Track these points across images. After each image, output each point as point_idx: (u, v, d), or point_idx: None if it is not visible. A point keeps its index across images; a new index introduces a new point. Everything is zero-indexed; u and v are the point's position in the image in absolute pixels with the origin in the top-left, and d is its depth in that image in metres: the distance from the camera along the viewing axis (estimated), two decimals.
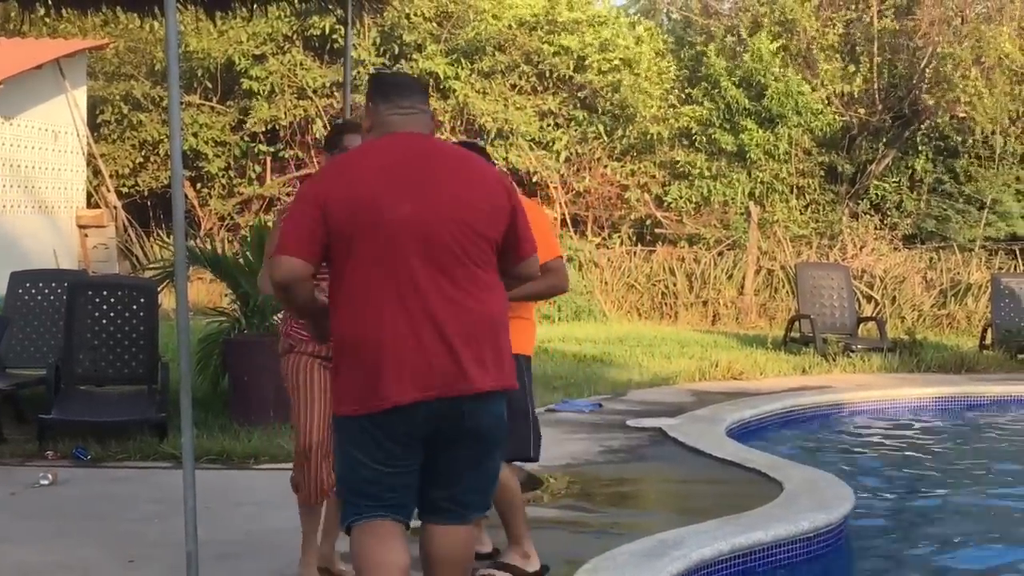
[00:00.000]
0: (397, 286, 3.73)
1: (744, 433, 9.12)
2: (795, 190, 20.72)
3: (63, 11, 7.68)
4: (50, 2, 7.39)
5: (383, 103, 3.92)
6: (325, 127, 19.58)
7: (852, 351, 13.29)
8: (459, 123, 20.42)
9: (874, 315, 16.19)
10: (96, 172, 19.17)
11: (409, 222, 3.74)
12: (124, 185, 20.39)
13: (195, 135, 20.17)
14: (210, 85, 20.76)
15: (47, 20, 19.69)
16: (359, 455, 3.81)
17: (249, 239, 9.73)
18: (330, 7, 7.11)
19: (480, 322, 3.80)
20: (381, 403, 3.72)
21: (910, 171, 21.17)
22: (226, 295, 10.69)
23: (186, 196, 20.86)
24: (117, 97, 20.44)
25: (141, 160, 20.55)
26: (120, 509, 6.53)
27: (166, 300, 17.32)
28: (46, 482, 7.16)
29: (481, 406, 3.82)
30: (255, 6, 7.56)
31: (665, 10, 26.61)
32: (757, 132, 20.16)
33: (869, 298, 17.43)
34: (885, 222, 20.13)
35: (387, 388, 3.71)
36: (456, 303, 3.76)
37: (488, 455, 3.94)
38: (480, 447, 3.89)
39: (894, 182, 21.05)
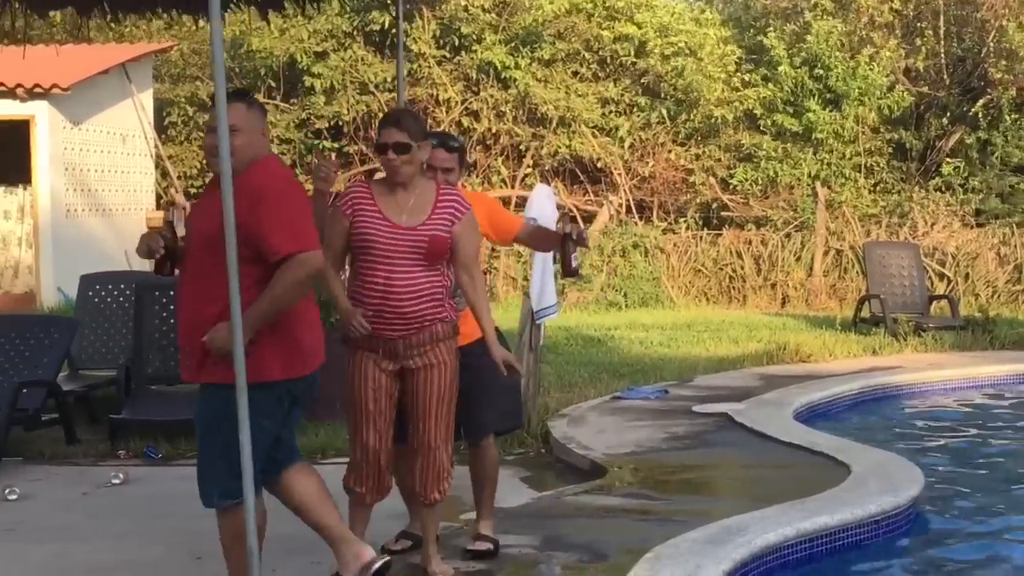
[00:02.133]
0: None
1: (813, 416, 9.04)
2: (863, 169, 20.46)
3: (119, 16, 7.76)
4: (107, 7, 7.47)
5: None
6: None
7: (923, 330, 13.11)
8: (521, 112, 20.40)
9: (947, 293, 15.95)
10: (164, 174, 19.41)
11: None
12: (192, 186, 20.61)
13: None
14: (273, 83, 20.92)
15: (113, 25, 20.05)
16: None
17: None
18: (388, 2, 7.18)
19: None
20: None
21: (980, 146, 20.80)
22: None
23: None
24: (183, 99, 20.67)
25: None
26: (189, 507, 6.54)
27: None
28: (117, 481, 7.28)
29: None
30: (305, 3, 7.60)
31: None
32: (822, 112, 19.93)
33: (941, 276, 17.18)
34: (956, 199, 19.80)
35: None
36: None
37: None
38: None
39: (964, 158, 20.70)
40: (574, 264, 5.63)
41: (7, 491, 6.96)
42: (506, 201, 18.35)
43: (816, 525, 5.69)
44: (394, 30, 19.98)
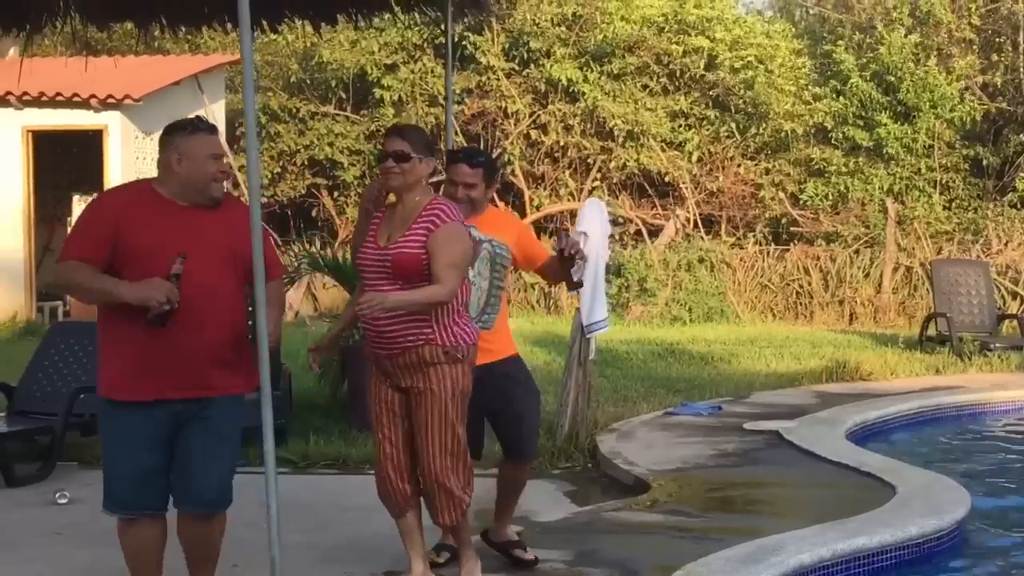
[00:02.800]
0: None
1: (867, 436, 8.93)
2: (938, 185, 20.18)
3: (176, 30, 7.91)
4: (164, 21, 7.61)
5: None
6: (457, 134, 19.76)
7: (989, 350, 12.89)
8: (589, 126, 20.41)
9: (1019, 312, 15.67)
10: (235, 184, 19.65)
11: None
12: (263, 195, 20.85)
13: (331, 144, 20.56)
14: (344, 95, 21.14)
15: (189, 37, 20.36)
16: None
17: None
18: (426, 11, 7.25)
19: None
20: None
21: None
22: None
23: (323, 205, 21.30)
24: (256, 109, 20.89)
25: (279, 170, 21.01)
26: (233, 513, 6.67)
27: (302, 307, 17.76)
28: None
29: None
30: (359, 17, 7.68)
31: (801, 7, 26.17)
32: (893, 126, 19.70)
33: (1014, 295, 16.90)
34: None
35: None
36: None
37: None
38: None
39: None
40: (575, 278, 5.57)
41: (58, 495, 7.08)
42: (573, 214, 18.35)
43: (853, 546, 5.61)
44: (464, 42, 20.15)
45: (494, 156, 5.41)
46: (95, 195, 4.62)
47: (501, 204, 18.85)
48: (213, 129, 4.67)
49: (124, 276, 4.40)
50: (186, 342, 4.43)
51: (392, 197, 5.14)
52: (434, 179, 5.22)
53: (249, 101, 4.49)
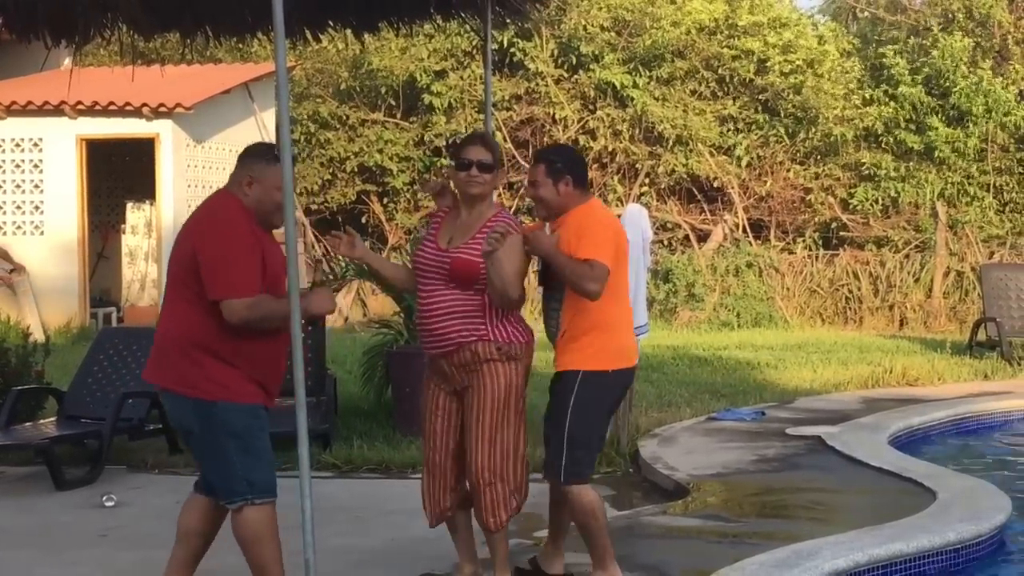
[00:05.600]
0: None
1: (910, 442, 8.89)
2: (991, 188, 19.97)
3: (220, 39, 8.02)
4: (209, 32, 7.73)
5: None
6: (505, 140, 19.84)
7: None
8: (638, 131, 20.41)
9: None
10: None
11: None
12: (314, 202, 21.04)
13: (380, 151, 20.68)
14: (393, 102, 21.25)
15: (240, 46, 20.56)
16: None
17: (411, 252, 9.94)
18: (506, 20, 7.32)
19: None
20: None
21: None
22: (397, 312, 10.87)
23: (373, 211, 21.43)
24: (305, 117, 21.11)
25: (329, 177, 21.16)
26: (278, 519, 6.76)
27: (352, 312, 17.87)
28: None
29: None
30: (400, 25, 7.76)
31: (852, 9, 26.00)
32: (945, 130, 19.52)
33: None
34: None
35: None
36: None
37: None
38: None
39: None
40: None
41: (105, 498, 7.20)
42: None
43: (890, 552, 5.59)
44: (512, 49, 20.21)
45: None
46: (217, 222, 4.68)
47: None
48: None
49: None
50: (281, 351, 4.83)
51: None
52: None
53: (283, 107, 4.57)
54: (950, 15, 21.34)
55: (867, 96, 20.46)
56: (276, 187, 4.63)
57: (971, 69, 19.83)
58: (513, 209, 18.75)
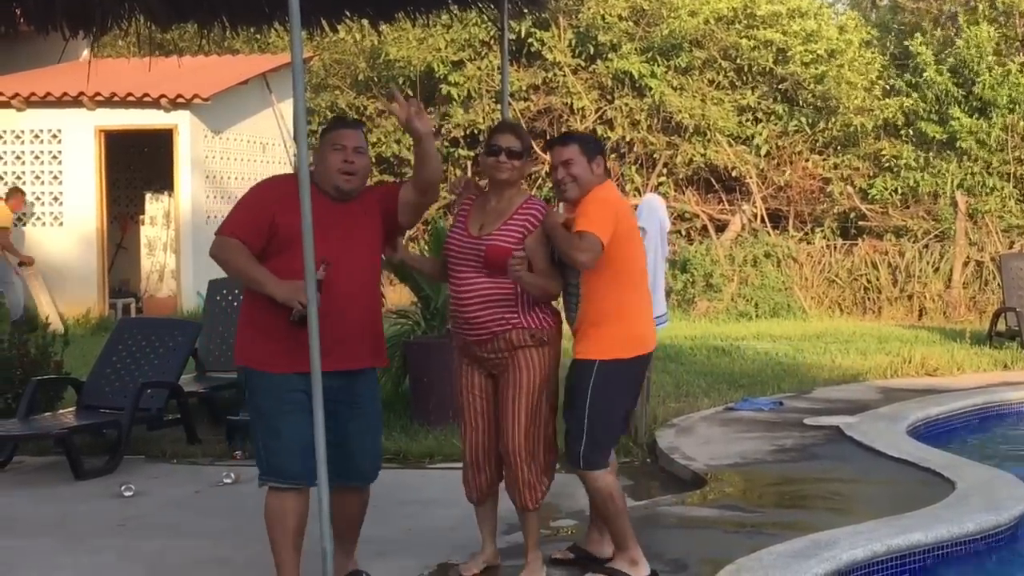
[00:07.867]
0: None
1: (929, 432, 8.85)
2: (1012, 178, 19.84)
3: (237, 30, 8.03)
4: (226, 22, 7.73)
5: None
6: None
7: None
8: (655, 121, 20.37)
9: None
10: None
11: None
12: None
13: (398, 142, 20.68)
14: (411, 92, 21.21)
15: (257, 37, 20.58)
16: None
17: (429, 241, 9.95)
18: (523, 11, 7.32)
19: None
20: None
21: None
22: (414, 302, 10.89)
23: None
24: (323, 107, 21.12)
25: None
26: None
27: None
28: (229, 481, 7.49)
29: None
30: (416, 15, 7.76)
31: None
32: (968, 120, 19.40)
33: None
34: None
35: None
36: None
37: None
38: None
39: None
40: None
41: (123, 487, 7.24)
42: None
43: (908, 542, 5.59)
44: (530, 39, 20.18)
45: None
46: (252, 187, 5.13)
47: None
48: (355, 124, 5.07)
49: (275, 260, 4.77)
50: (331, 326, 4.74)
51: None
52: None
53: (299, 97, 4.59)
54: (973, 3, 21.18)
55: (888, 86, 20.34)
56: (330, 147, 4.86)
57: (997, 60, 19.67)
58: None
